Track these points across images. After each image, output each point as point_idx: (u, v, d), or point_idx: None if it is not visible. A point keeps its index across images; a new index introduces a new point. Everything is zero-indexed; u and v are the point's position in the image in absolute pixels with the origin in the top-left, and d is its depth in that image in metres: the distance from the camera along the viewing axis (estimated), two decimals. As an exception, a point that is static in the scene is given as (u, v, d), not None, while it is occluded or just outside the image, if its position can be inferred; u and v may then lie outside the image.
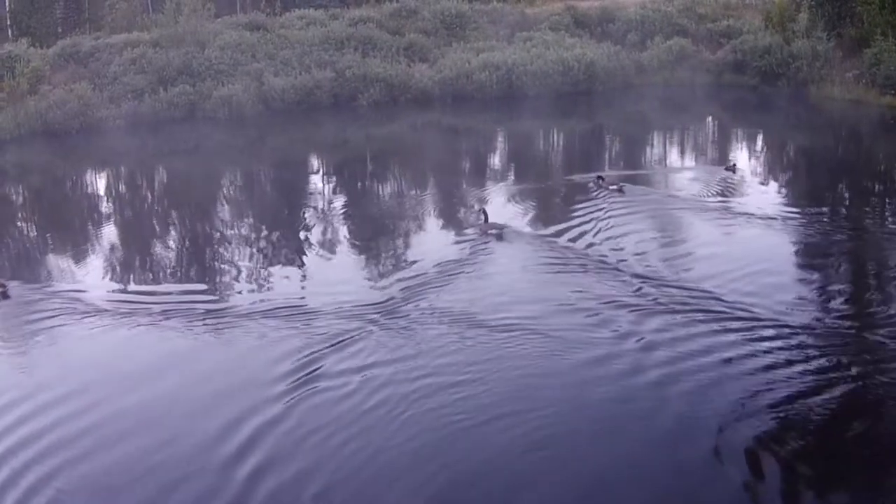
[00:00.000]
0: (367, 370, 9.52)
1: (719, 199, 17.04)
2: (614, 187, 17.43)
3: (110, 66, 32.75)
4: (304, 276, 13.54)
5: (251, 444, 8.07)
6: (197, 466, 7.84)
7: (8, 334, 11.62)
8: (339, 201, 19.20)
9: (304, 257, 14.53)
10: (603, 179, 17.83)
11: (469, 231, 15.25)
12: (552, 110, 31.51)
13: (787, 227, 14.88)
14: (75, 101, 29.66)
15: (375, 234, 15.86)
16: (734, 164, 19.75)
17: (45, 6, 43.62)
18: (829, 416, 8.41)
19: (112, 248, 16.22)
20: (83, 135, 29.28)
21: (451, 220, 16.83)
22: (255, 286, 13.15)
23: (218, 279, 13.84)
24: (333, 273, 13.74)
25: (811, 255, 13.64)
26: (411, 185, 21.04)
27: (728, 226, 15.09)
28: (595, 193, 17.36)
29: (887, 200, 18.25)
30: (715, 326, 10.37)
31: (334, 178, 23.03)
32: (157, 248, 15.89)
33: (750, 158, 23.12)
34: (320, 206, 18.97)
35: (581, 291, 11.83)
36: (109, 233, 17.59)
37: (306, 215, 17.94)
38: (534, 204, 17.59)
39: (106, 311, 11.99)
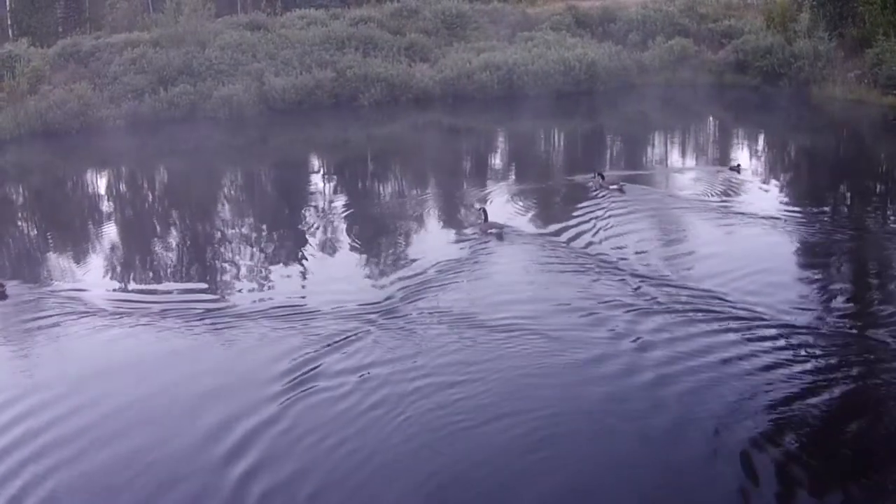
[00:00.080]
0: (364, 370, 9.48)
1: (723, 198, 16.98)
2: (614, 187, 17.38)
3: (110, 65, 32.74)
4: (303, 276, 13.49)
5: (248, 444, 8.03)
6: (194, 466, 7.80)
7: (6, 334, 11.58)
8: (340, 201, 19.15)
9: (304, 257, 14.48)
10: (603, 178, 17.76)
11: (469, 231, 15.21)
12: (553, 110, 31.48)
13: (788, 226, 14.82)
14: (75, 100, 29.63)
15: (376, 234, 15.81)
16: (738, 164, 19.70)
17: (45, 6, 43.60)
18: (830, 417, 8.36)
19: (111, 247, 16.19)
20: (83, 135, 29.26)
21: (451, 219, 16.78)
22: (254, 286, 13.09)
23: (217, 279, 13.79)
24: (333, 272, 13.69)
25: (812, 255, 13.59)
26: (412, 185, 20.99)
27: (730, 225, 15.04)
28: (595, 193, 17.31)
29: (889, 200, 18.19)
30: (715, 326, 10.32)
31: (335, 178, 22.98)
32: (157, 248, 15.84)
33: (752, 158, 23.03)
34: (321, 205, 18.92)
35: (581, 291, 11.78)
36: (109, 233, 17.54)
37: (307, 215, 17.90)
38: (534, 204, 17.54)
39: (105, 310, 11.96)
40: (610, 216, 15.51)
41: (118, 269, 14.64)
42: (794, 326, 10.21)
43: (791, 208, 16.49)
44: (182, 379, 9.84)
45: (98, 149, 28.20)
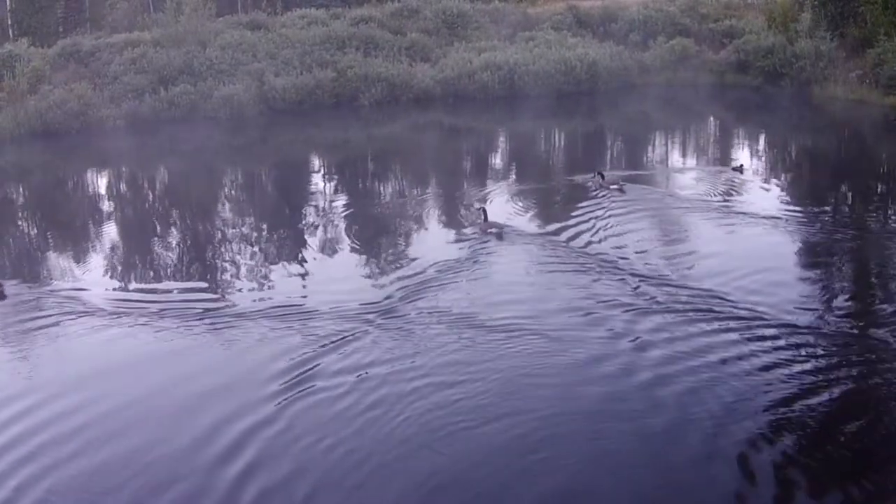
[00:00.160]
0: (363, 370, 9.42)
1: (724, 198, 16.93)
2: (615, 187, 17.33)
3: (111, 65, 32.75)
4: (303, 276, 13.42)
5: (246, 444, 7.97)
6: (191, 466, 7.73)
7: (4, 334, 11.51)
8: (340, 201, 19.10)
9: (304, 257, 14.42)
10: (603, 178, 17.71)
11: (469, 230, 15.15)
12: (554, 110, 31.45)
13: (789, 226, 14.77)
14: (75, 100, 29.58)
15: (375, 234, 15.77)
16: (741, 165, 19.65)
17: (46, 6, 43.66)
18: (830, 417, 8.31)
19: (110, 247, 16.14)
20: (83, 135, 29.22)
21: (451, 219, 16.73)
22: (254, 286, 13.04)
23: (216, 279, 13.74)
24: (332, 272, 13.64)
25: (814, 255, 13.54)
26: (412, 185, 20.95)
27: (731, 225, 15.00)
28: (595, 193, 17.25)
29: (890, 200, 18.15)
30: (716, 326, 10.27)
31: (335, 178, 22.93)
32: (156, 248, 15.78)
33: (753, 158, 22.97)
34: (321, 205, 18.87)
35: (580, 291, 11.73)
36: (108, 232, 17.50)
37: (307, 215, 17.87)
38: (534, 203, 17.49)
39: (103, 310, 11.91)
40: (610, 216, 15.46)
41: (117, 268, 14.60)
42: (795, 326, 10.15)
43: (792, 208, 16.44)
44: (180, 379, 9.77)
45: (98, 149, 28.16)
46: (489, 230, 14.63)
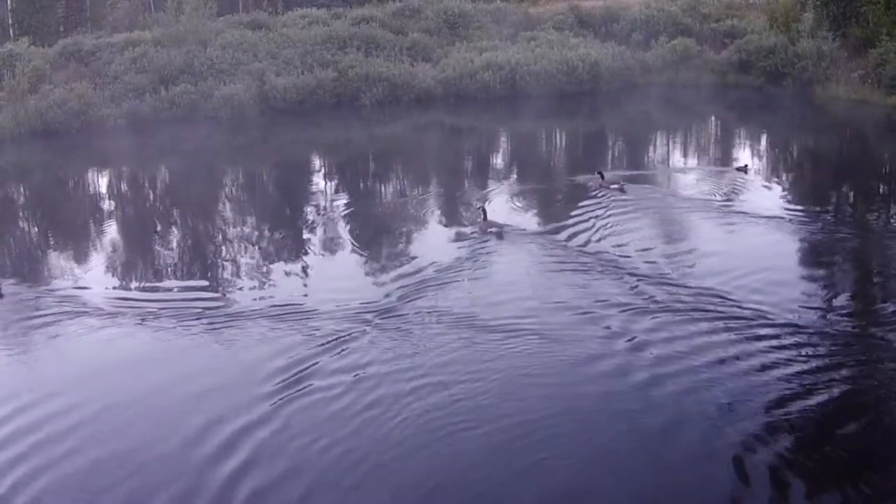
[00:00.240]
0: (361, 369, 9.38)
1: (726, 198, 16.85)
2: (615, 186, 17.27)
3: (111, 65, 32.74)
4: (303, 276, 13.38)
5: (242, 444, 7.93)
6: (187, 465, 7.70)
7: (1, 333, 11.47)
8: (341, 201, 19.03)
9: (305, 256, 14.38)
10: (603, 177, 17.64)
11: (469, 230, 15.09)
12: (556, 110, 31.39)
13: (791, 226, 14.69)
14: (76, 100, 29.56)
15: (376, 234, 15.73)
16: (745, 165, 19.57)
17: (46, 5, 43.66)
18: (830, 417, 8.27)
19: (109, 247, 16.10)
20: (83, 134, 29.20)
21: (451, 219, 16.68)
22: (254, 285, 12.97)
23: (216, 278, 13.69)
24: (332, 272, 13.62)
25: (815, 255, 13.49)
26: (413, 185, 20.89)
27: (732, 224, 14.93)
28: (595, 192, 17.18)
29: (892, 200, 18.07)
30: (716, 325, 10.22)
31: (336, 178, 22.89)
32: (155, 248, 15.72)
33: (754, 158, 22.88)
34: (321, 205, 18.81)
35: (580, 290, 11.68)
36: (106, 232, 17.47)
37: (307, 215, 17.83)
38: (534, 203, 17.46)
39: (101, 309, 11.88)
40: (610, 215, 15.40)
41: (117, 268, 14.55)
42: (796, 325, 10.10)
43: (794, 208, 16.37)
44: (178, 378, 9.73)
45: (98, 148, 28.13)
46: (489, 230, 14.57)
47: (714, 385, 8.70)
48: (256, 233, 16.49)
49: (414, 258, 13.60)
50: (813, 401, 8.41)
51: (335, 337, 10.25)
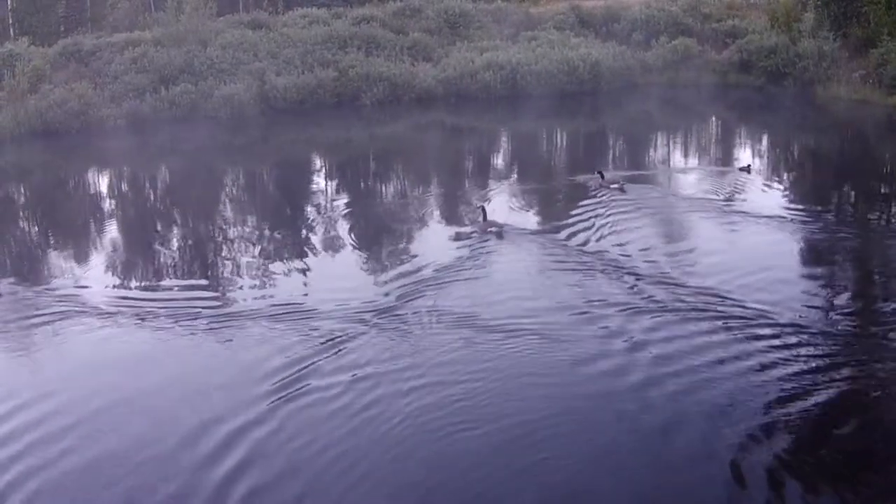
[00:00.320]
0: (360, 369, 9.33)
1: (727, 198, 16.81)
2: (615, 186, 17.24)
3: (111, 65, 32.71)
4: (303, 275, 13.34)
5: (237, 444, 7.89)
6: (183, 465, 7.65)
7: (-2, 332, 11.48)
8: (341, 201, 18.99)
9: (305, 256, 14.34)
10: (603, 177, 17.60)
11: (469, 229, 15.06)
12: (557, 110, 31.36)
13: (792, 226, 14.65)
14: (76, 100, 29.53)
15: (376, 234, 15.71)
16: (748, 165, 19.54)
17: (47, 5, 43.72)
18: (831, 417, 8.24)
19: (108, 246, 16.06)
20: (83, 134, 29.17)
21: (452, 219, 16.66)
22: (253, 285, 12.90)
23: (215, 278, 13.65)
24: (332, 271, 13.59)
25: (816, 255, 13.47)
26: (413, 185, 20.86)
27: (734, 224, 14.88)
28: (595, 192, 17.13)
29: (893, 200, 18.02)
30: (716, 325, 10.18)
31: (336, 178, 22.87)
32: (154, 247, 15.68)
33: (755, 158, 22.84)
34: (322, 205, 18.78)
35: (579, 290, 11.64)
36: (106, 232, 17.46)
37: (307, 215, 17.80)
38: (534, 203, 17.45)
39: (100, 308, 11.84)
40: (610, 215, 15.36)
41: (116, 267, 14.51)
42: (797, 325, 10.06)
43: (795, 208, 16.32)
44: (176, 377, 9.70)
45: (98, 148, 28.12)
46: (489, 229, 14.54)
47: (714, 385, 8.67)
48: (256, 232, 16.46)
49: (413, 258, 13.57)
50: (813, 401, 8.37)
51: (334, 336, 10.21)
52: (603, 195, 16.82)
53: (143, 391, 9.33)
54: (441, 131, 29.67)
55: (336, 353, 9.76)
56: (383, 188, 21.14)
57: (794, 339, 9.68)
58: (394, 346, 9.95)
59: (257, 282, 13.00)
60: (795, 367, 9.00)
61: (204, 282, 13.42)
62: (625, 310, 10.71)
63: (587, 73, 33.21)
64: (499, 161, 24.68)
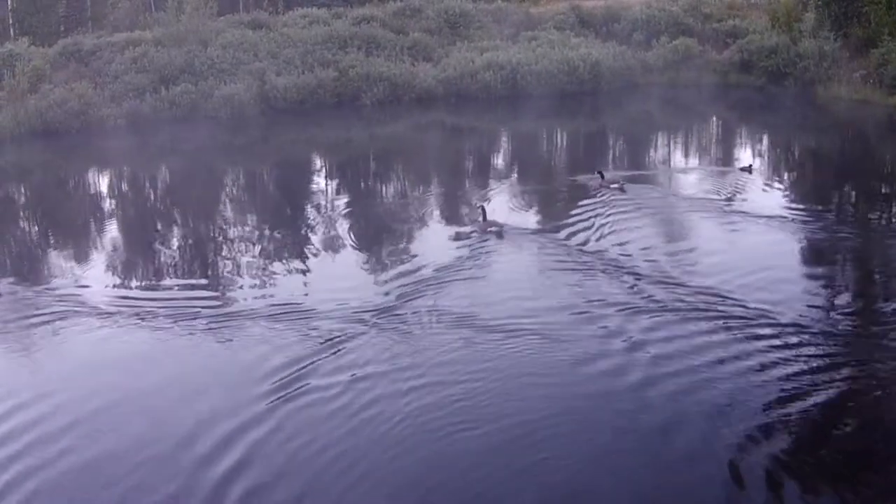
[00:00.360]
0: (359, 369, 9.31)
1: (728, 198, 16.79)
2: (615, 186, 17.22)
3: (112, 64, 32.71)
4: (303, 275, 13.32)
5: (235, 444, 7.86)
6: (181, 465, 7.63)
7: (-3, 332, 11.46)
8: (341, 200, 18.98)
9: (305, 256, 14.32)
10: (603, 177, 17.58)
11: (468, 229, 15.04)
12: (557, 110, 31.35)
13: (793, 226, 14.64)
14: (76, 100, 29.51)
15: (376, 234, 15.70)
16: (750, 165, 19.53)
17: (47, 5, 43.72)
18: (831, 416, 8.23)
19: (108, 246, 16.05)
20: (84, 134, 29.16)
21: (452, 218, 16.65)
22: (253, 285, 12.88)
23: (215, 278, 13.64)
24: (332, 271, 13.57)
25: (817, 255, 13.44)
26: (414, 185, 20.84)
27: (734, 224, 14.86)
28: (595, 192, 17.11)
29: (894, 200, 18.01)
30: (717, 324, 10.16)
31: (337, 178, 22.85)
32: (154, 247, 15.66)
33: (756, 158, 22.82)
34: (322, 205, 18.77)
35: (579, 289, 11.62)
36: (106, 231, 17.46)
37: (308, 215, 17.78)
38: (534, 203, 17.43)
39: (99, 308, 11.82)
40: (610, 215, 15.34)
41: (115, 267, 14.50)
42: (797, 325, 10.04)
43: (795, 208, 16.31)
44: (175, 377, 9.68)
45: (98, 148, 28.11)
46: (489, 229, 14.53)
47: (714, 385, 8.65)
48: (256, 232, 16.45)
49: (413, 257, 13.56)
50: (813, 401, 8.36)
51: (334, 336, 10.20)
52: (603, 195, 16.81)
53: (142, 391, 9.32)
54: (441, 131, 29.66)
55: (335, 352, 9.76)
56: (383, 188, 21.13)
57: (794, 339, 9.67)
58: (393, 345, 9.94)
59: (257, 282, 12.98)
60: (795, 367, 8.99)
61: (203, 281, 13.42)
62: (624, 310, 10.70)
63: (587, 73, 33.20)
64: (499, 161, 24.67)
